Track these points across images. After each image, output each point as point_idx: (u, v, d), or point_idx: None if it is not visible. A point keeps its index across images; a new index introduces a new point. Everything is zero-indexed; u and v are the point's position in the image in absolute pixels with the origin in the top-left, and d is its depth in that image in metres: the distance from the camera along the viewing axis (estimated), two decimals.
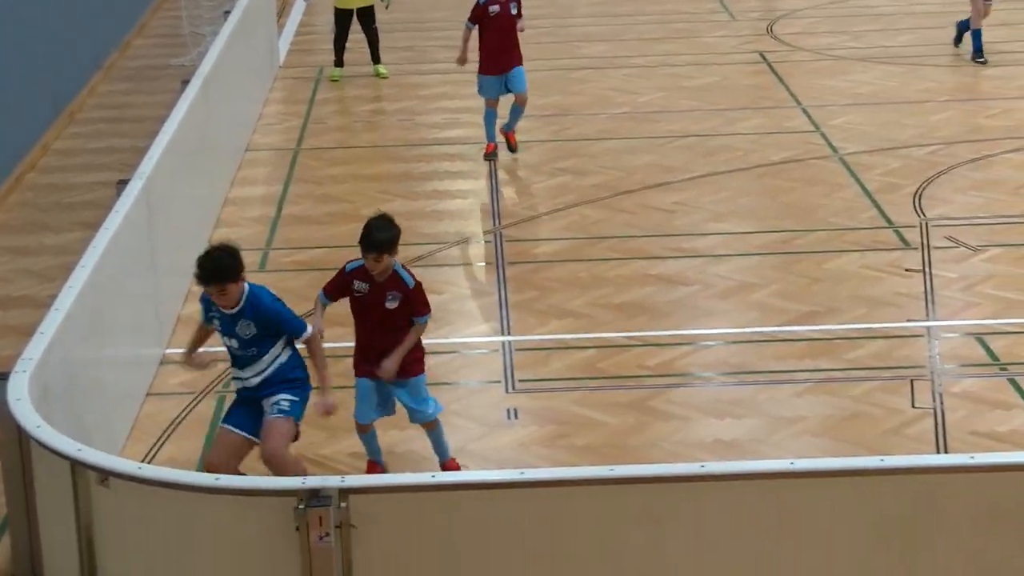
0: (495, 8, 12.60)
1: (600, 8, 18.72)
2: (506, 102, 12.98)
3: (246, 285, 7.05)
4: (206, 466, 7.10)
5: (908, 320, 9.54)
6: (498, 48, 12.61)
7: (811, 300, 9.88)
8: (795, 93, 14.67)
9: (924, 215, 11.30)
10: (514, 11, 12.71)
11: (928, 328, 9.43)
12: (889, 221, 11.23)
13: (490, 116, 12.91)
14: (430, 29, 17.98)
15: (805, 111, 14.09)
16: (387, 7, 16.04)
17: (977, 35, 15.30)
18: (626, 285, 10.23)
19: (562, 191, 12.19)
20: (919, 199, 11.64)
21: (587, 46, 16.99)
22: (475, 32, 12.76)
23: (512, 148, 13.07)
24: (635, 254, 10.79)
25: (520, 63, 12.79)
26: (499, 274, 10.54)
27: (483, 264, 10.74)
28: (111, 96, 15.44)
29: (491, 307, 9.98)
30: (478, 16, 12.68)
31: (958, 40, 15.76)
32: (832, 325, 9.49)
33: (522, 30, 12.85)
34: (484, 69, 12.75)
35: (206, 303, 7.20)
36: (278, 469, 6.89)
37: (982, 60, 15.21)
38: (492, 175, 12.70)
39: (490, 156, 12.95)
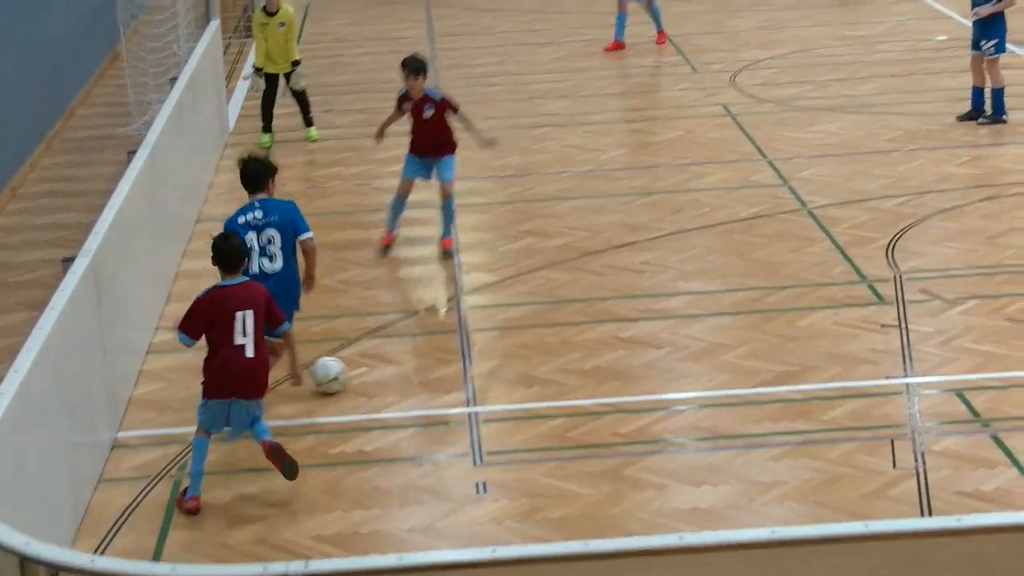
0: (429, 112, 11.97)
1: (559, 64, 18.84)
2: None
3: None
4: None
5: (886, 377, 9.56)
6: (427, 140, 12.01)
7: (785, 359, 9.89)
8: (761, 146, 14.77)
9: (897, 268, 11.36)
10: (441, 105, 12.00)
11: (907, 385, 9.44)
12: (862, 275, 11.28)
13: (397, 205, 12.10)
14: (386, 91, 18.02)
15: (771, 164, 14.18)
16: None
17: (997, 95, 15.04)
18: (595, 349, 10.22)
19: (526, 254, 12.20)
20: (892, 252, 11.71)
21: (547, 103, 17.08)
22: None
23: (448, 254, 12.14)
24: (604, 317, 10.79)
25: (453, 152, 12.11)
26: (463, 342, 10.51)
27: (446, 332, 10.70)
28: (54, 169, 15.39)
29: (456, 377, 9.94)
30: (401, 107, 12.15)
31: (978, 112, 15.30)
32: (808, 385, 9.50)
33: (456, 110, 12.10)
34: (412, 149, 12.11)
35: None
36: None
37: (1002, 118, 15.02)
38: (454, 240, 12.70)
39: (386, 250, 12.08)
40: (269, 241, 9.33)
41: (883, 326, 10.32)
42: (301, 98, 15.87)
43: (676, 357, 10.08)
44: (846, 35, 19.15)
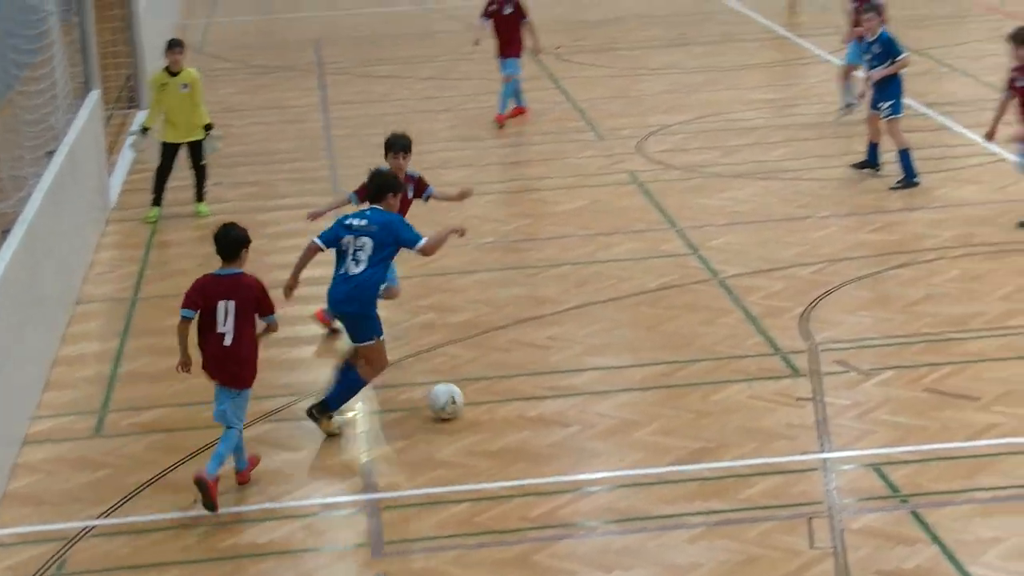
0: (411, 193, 12.01)
1: (458, 132, 18.93)
2: None
3: None
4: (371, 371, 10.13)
5: (802, 453, 9.63)
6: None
7: (698, 436, 9.93)
8: (669, 214, 14.91)
9: (812, 339, 11.47)
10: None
11: (824, 461, 9.51)
12: (776, 347, 11.38)
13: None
14: (278, 162, 18.00)
15: (681, 233, 14.31)
16: (212, 151, 15.94)
17: (904, 157, 15.34)
18: (501, 429, 10.20)
19: (427, 330, 12.18)
20: (806, 322, 11.83)
21: (447, 172, 17.10)
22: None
23: (329, 329, 12.12)
24: (509, 395, 10.78)
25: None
26: (361, 424, 10.44)
27: (345, 416, 10.62)
28: None
29: (354, 462, 9.86)
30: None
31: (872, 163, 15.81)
32: (722, 462, 9.54)
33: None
34: None
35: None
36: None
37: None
38: None
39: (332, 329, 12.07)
40: (360, 248, 10.13)
41: (798, 399, 10.41)
42: (201, 171, 15.76)
43: (585, 436, 10.08)
44: (755, 99, 19.45)
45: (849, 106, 17.75)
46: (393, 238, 10.18)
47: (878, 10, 15.83)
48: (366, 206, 10.52)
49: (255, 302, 9.33)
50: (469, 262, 13.88)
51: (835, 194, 15.30)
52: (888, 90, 15.48)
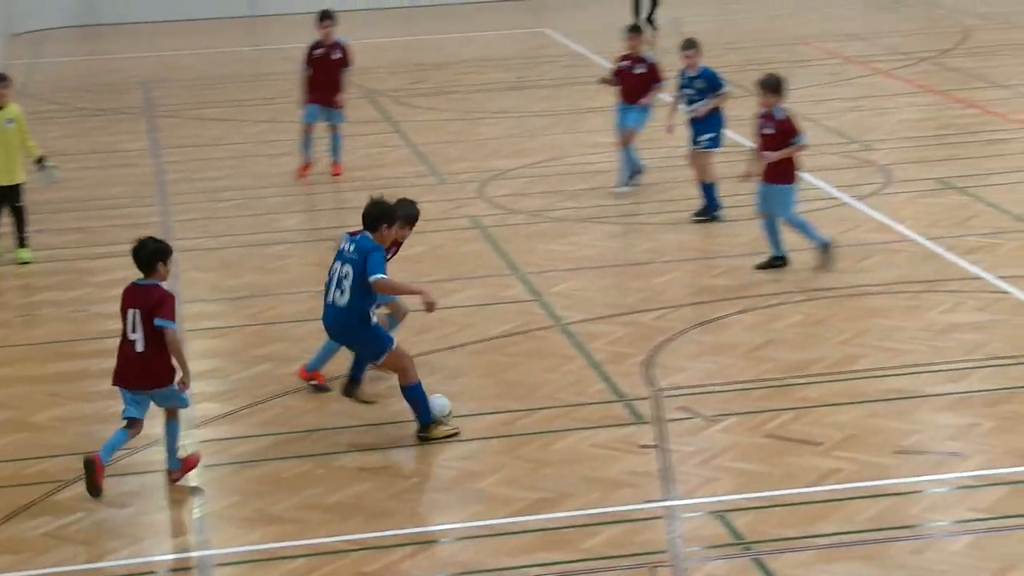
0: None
1: (293, 176, 18.86)
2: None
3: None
4: (408, 374, 10.64)
5: (646, 501, 9.77)
6: None
7: (540, 486, 10.02)
8: (512, 260, 15.04)
9: (655, 385, 11.65)
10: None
11: (667, 508, 9.66)
12: (619, 394, 11.54)
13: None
14: (107, 207, 17.79)
15: (524, 279, 14.44)
16: (52, 180, 15.72)
17: (709, 189, 16.02)
18: (338, 482, 10.18)
19: (263, 381, 12.12)
20: (649, 368, 12.02)
21: (283, 218, 17.09)
22: None
23: (323, 388, 11.80)
24: (348, 447, 10.77)
25: None
26: (193, 479, 10.35)
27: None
28: None
29: (185, 518, 9.76)
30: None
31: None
32: (565, 512, 9.63)
33: None
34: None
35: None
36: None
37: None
38: None
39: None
40: (345, 276, 10.54)
41: (642, 447, 10.56)
42: (20, 215, 15.50)
43: (425, 487, 10.11)
44: (597, 142, 19.71)
45: (636, 174, 17.23)
46: (364, 263, 10.47)
47: (697, 46, 16.23)
48: (359, 232, 10.76)
49: (151, 309, 9.90)
50: (306, 311, 13.81)
51: (677, 239, 15.56)
52: (710, 123, 15.98)
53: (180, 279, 14.78)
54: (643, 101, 16.89)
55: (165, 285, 10.13)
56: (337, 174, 18.57)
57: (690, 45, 16.24)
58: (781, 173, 14.05)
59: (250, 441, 10.95)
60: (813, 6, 30.48)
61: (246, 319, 13.72)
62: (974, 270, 13.89)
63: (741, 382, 11.67)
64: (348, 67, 18.44)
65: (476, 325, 13.21)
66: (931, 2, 30.25)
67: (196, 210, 17.51)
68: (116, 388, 10.17)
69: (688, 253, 15.13)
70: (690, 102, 16.09)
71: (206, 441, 10.98)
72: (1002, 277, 13.63)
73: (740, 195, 15.65)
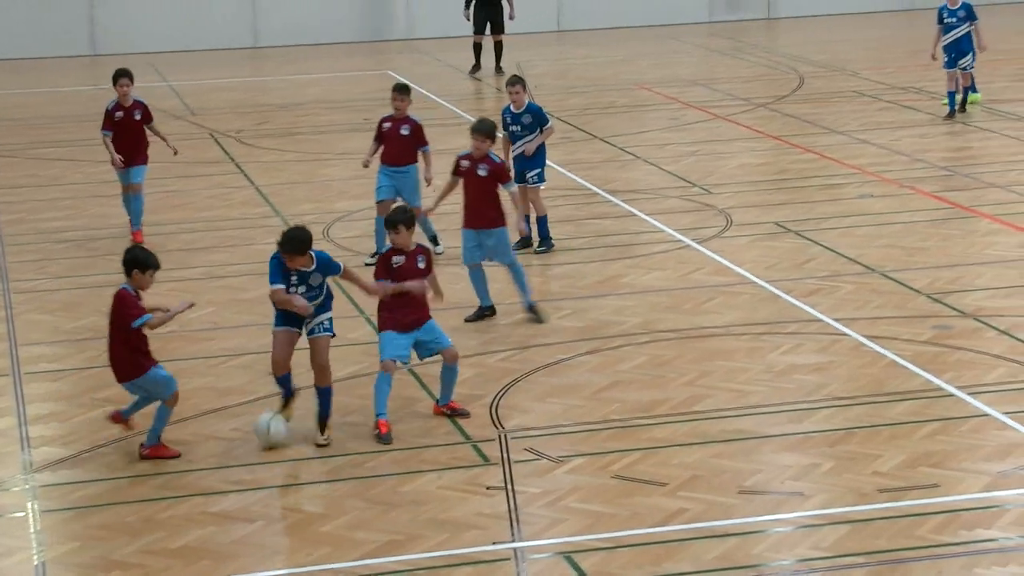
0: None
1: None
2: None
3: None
4: (273, 363, 11.52)
5: (493, 543, 9.76)
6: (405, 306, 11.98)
7: (388, 528, 9.97)
8: (358, 301, 14.95)
9: (502, 427, 11.67)
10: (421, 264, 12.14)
11: (515, 550, 9.67)
12: (466, 436, 11.54)
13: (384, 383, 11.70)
14: None
15: (370, 320, 14.36)
16: None
17: (543, 223, 16.43)
18: (182, 527, 10.03)
19: (103, 424, 11.90)
20: (495, 410, 12.04)
21: None
22: None
23: (461, 412, 11.92)
24: (190, 490, 10.63)
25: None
26: (32, 525, 10.13)
27: (12, 516, 10.28)
28: None
29: (25, 567, 9.54)
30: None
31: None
32: (412, 555, 9.60)
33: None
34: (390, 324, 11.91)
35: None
36: (325, 375, 11.55)
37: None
38: (19, 409, 12.29)
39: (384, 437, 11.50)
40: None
41: (489, 488, 10.57)
42: None
43: (271, 531, 10.01)
44: (441, 185, 19.73)
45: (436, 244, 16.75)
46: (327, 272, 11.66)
47: (523, 81, 16.53)
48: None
49: (117, 312, 11.11)
50: None
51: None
52: (535, 159, 16.36)
53: (18, 320, 14.51)
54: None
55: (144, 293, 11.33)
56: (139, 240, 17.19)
57: (516, 81, 16.51)
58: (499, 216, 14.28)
59: (90, 486, 10.75)
60: (654, 52, 30.93)
61: (86, 361, 13.48)
62: (813, 312, 14.16)
63: (588, 423, 11.75)
64: (150, 123, 17.44)
65: None
66: (769, 49, 30.89)
67: (33, 252, 17.18)
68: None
69: (533, 295, 15.18)
70: (514, 139, 16.33)
71: (45, 486, 10.75)
72: (839, 319, 13.91)
73: (582, 237, 15.75)
